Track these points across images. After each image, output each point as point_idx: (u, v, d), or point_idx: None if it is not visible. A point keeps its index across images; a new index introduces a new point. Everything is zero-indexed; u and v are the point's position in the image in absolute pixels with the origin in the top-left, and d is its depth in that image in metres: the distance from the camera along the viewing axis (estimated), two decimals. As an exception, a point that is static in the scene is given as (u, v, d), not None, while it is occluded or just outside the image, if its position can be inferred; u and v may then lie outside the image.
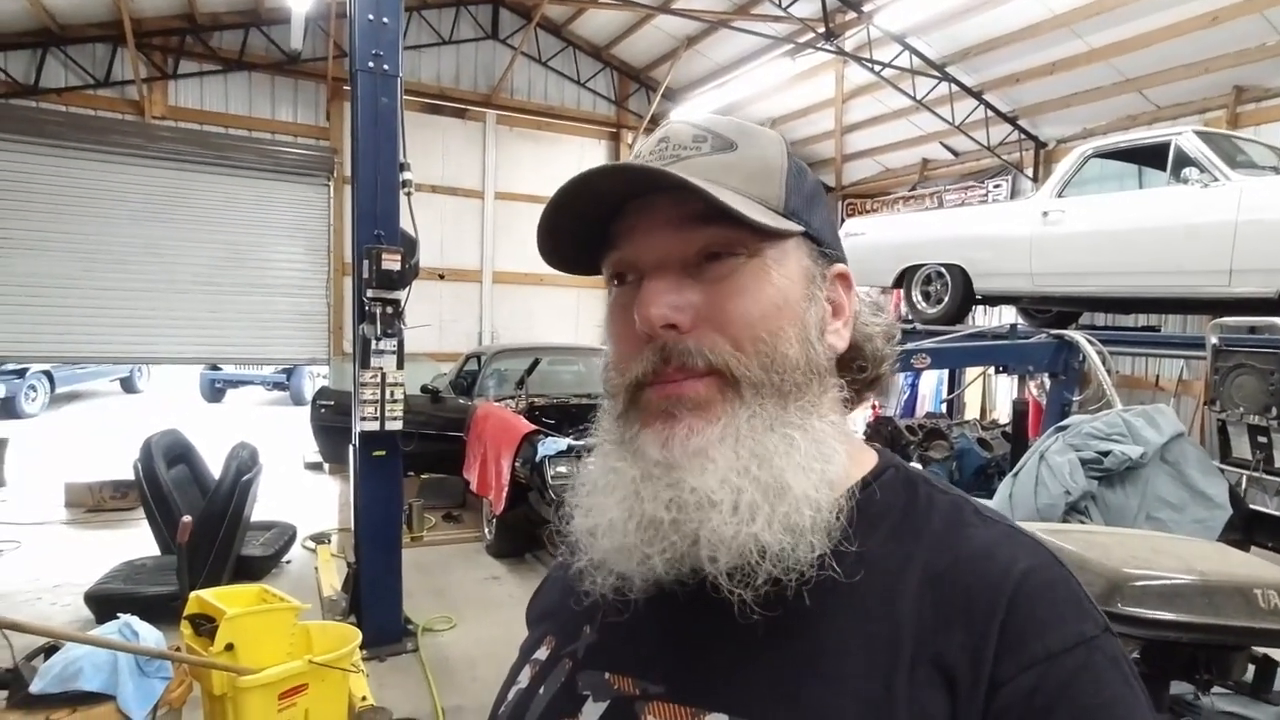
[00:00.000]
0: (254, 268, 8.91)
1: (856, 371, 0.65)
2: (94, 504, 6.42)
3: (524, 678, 0.65)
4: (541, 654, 0.65)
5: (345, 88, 9.21)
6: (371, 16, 3.77)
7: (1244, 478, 3.43)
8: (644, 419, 0.57)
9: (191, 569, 3.93)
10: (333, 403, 6.54)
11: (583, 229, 0.60)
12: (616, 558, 0.56)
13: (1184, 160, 4.69)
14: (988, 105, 8.63)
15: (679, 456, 0.54)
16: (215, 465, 4.96)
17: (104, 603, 4.00)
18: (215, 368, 13.29)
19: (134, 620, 2.83)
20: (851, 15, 7.91)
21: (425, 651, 3.87)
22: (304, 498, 6.78)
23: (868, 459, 0.63)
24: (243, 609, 2.79)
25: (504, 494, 4.97)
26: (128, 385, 14.56)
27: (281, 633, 2.85)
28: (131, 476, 4.90)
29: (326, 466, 7.76)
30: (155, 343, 8.41)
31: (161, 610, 3.63)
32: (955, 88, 8.44)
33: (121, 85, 8.37)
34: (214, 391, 13.81)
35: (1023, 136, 8.80)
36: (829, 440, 0.56)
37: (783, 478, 0.53)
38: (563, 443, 4.81)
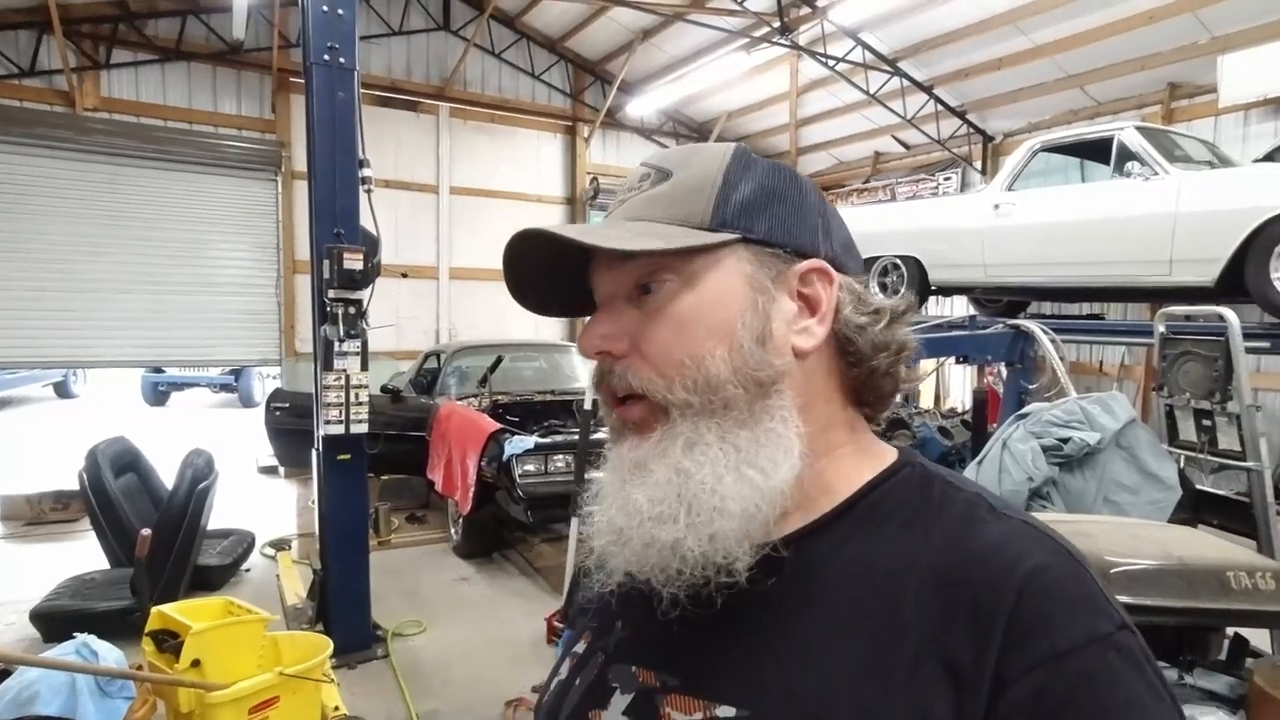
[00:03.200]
0: (199, 266, 8.58)
1: (854, 364, 0.63)
2: (33, 516, 6.12)
3: (565, 669, 0.69)
4: (580, 647, 0.69)
5: (293, 79, 8.95)
6: (326, 8, 3.66)
7: (1182, 458, 3.60)
8: (611, 435, 0.65)
9: (142, 583, 3.78)
10: (288, 405, 6.36)
11: (561, 278, 0.66)
12: (607, 556, 0.60)
13: (1126, 155, 4.88)
14: (937, 100, 8.83)
15: (627, 470, 0.60)
16: (166, 473, 4.79)
17: (52, 621, 3.83)
18: (158, 370, 12.78)
19: (92, 639, 2.72)
20: (806, 10, 8.00)
21: (396, 657, 3.80)
22: (260, 503, 6.59)
23: (882, 458, 0.63)
24: (209, 623, 2.70)
25: (471, 494, 4.90)
26: (61, 390, 13.92)
27: (250, 645, 2.77)
28: (73, 486, 4.69)
29: (282, 470, 7.55)
30: (96, 345, 8.04)
31: (116, 626, 3.49)
32: (906, 82, 8.62)
33: (49, 75, 7.96)
34: (157, 395, 13.29)
35: (971, 130, 9.04)
36: (765, 449, 0.57)
37: (702, 489, 0.56)
38: (529, 441, 4.77)
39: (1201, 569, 1.39)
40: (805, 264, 0.60)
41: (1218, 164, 5.10)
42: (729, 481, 0.56)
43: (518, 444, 4.71)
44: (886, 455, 0.63)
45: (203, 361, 10.63)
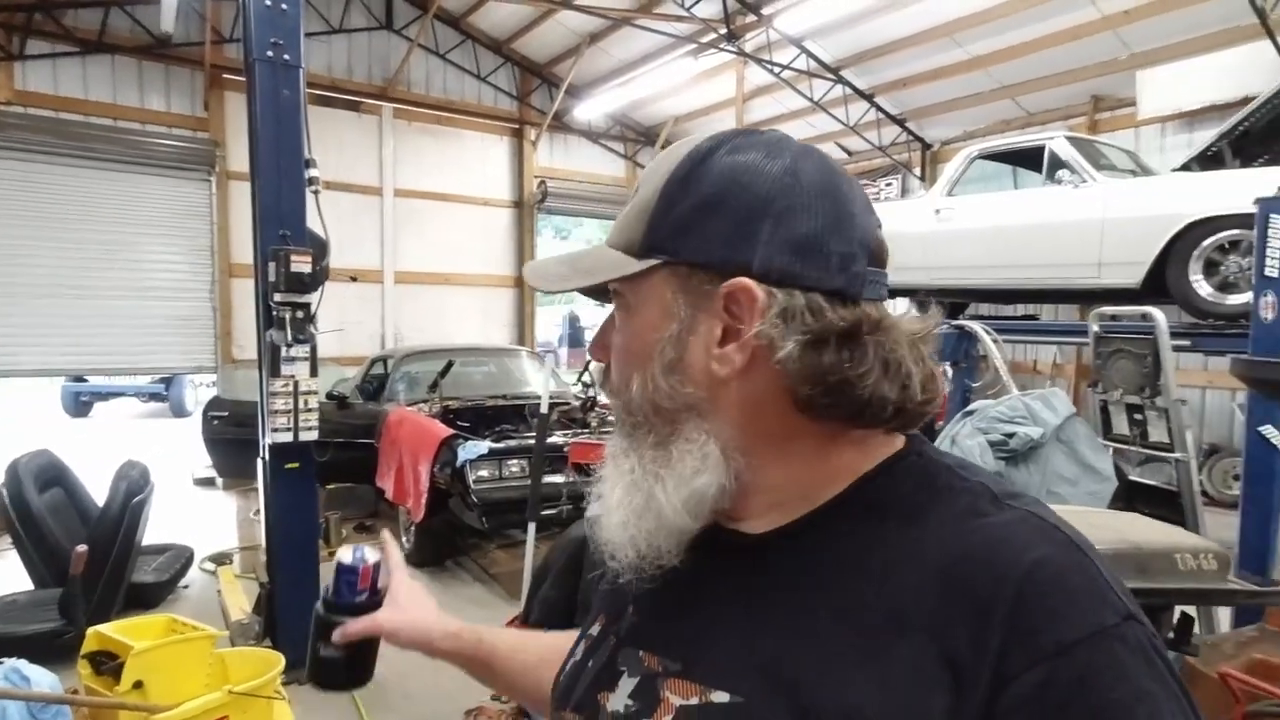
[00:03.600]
0: (126, 269, 8.20)
1: (816, 393, 0.56)
2: (-55, 537, 5.72)
3: (580, 651, 0.71)
4: (594, 630, 0.71)
5: (226, 76, 8.64)
6: (269, 2, 3.55)
7: (1110, 450, 3.80)
8: None
9: (77, 602, 3.59)
10: (228, 413, 6.13)
11: None
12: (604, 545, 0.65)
13: (1057, 163, 5.13)
14: (878, 108, 9.10)
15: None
16: (95, 487, 4.55)
17: (-28, 646, 3.59)
18: (79, 379, 12.13)
19: (22, 664, 2.55)
20: (752, 18, 8.13)
21: (349, 671, 3.69)
22: (198, 517, 6.32)
23: (879, 451, 0.60)
24: (151, 642, 2.57)
25: (423, 501, 4.81)
26: (-30, 402, 13.08)
27: (197, 664, 2.66)
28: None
29: (220, 482, 7.25)
30: (14, 354, 7.59)
31: (44, 650, 3.28)
32: (849, 90, 8.86)
33: (-44, 66, 7.50)
34: (79, 405, 12.60)
35: (910, 138, 9.34)
36: (675, 466, 0.60)
37: (634, 492, 0.61)
38: (483, 445, 4.71)
39: (1152, 551, 1.47)
40: (726, 285, 0.56)
41: (1140, 173, 5.40)
42: (652, 489, 0.60)
43: (471, 449, 4.64)
44: (886, 448, 0.61)
45: (132, 370, 10.10)
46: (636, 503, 0.61)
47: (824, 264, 0.56)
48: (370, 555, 0.93)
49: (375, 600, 0.93)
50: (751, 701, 0.54)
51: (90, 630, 2.63)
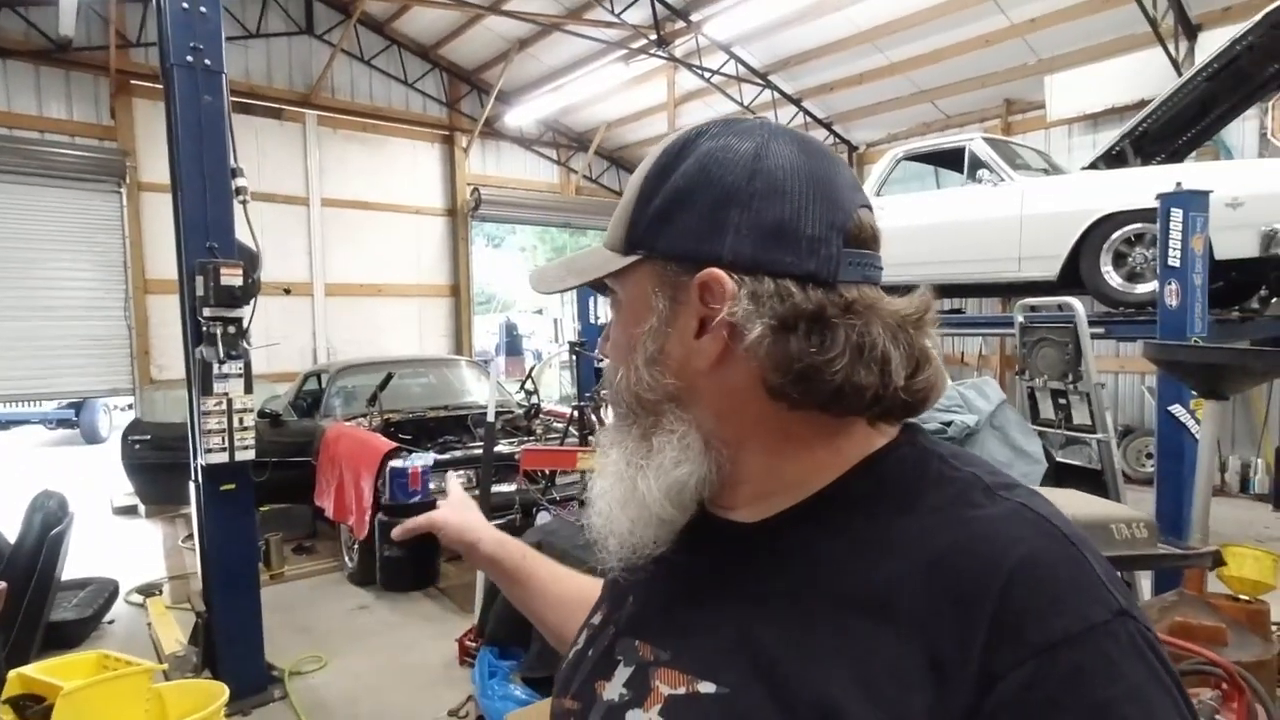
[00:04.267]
0: (28, 288, 7.68)
1: (786, 381, 0.56)
2: None
3: (582, 639, 0.72)
4: (596, 619, 0.72)
5: (135, 82, 8.23)
6: (186, 5, 3.39)
7: (1039, 434, 4.02)
8: None
9: (-6, 644, 3.33)
10: (149, 437, 5.81)
11: None
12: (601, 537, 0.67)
13: (977, 163, 5.38)
14: (806, 112, 9.34)
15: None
16: (3, 521, 4.25)
17: None
18: (-24, 407, 11.30)
19: (-67, 715, 2.36)
20: (681, 24, 8.24)
21: (297, 696, 3.55)
22: (120, 547, 5.96)
23: (871, 443, 0.59)
24: (82, 681, 2.42)
25: (367, 517, 4.66)
26: None
27: (133, 701, 2.51)
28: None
29: (143, 509, 6.87)
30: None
31: (-44, 699, 3.05)
32: (777, 95, 9.06)
33: None
34: (-23, 435, 11.76)
35: (837, 140, 9.62)
36: (656, 457, 0.60)
37: (623, 485, 0.63)
38: (428, 457, 4.60)
39: (1090, 522, 1.57)
40: (699, 276, 0.56)
41: (1052, 171, 5.72)
42: (650, 479, 0.60)
43: (415, 461, 4.53)
44: (879, 437, 0.60)
45: (38, 395, 9.47)
46: (620, 493, 0.62)
47: (794, 248, 0.55)
48: (419, 460, 1.01)
49: (429, 501, 0.98)
50: (736, 693, 0.54)
51: (12, 673, 2.46)
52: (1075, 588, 0.48)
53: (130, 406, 9.13)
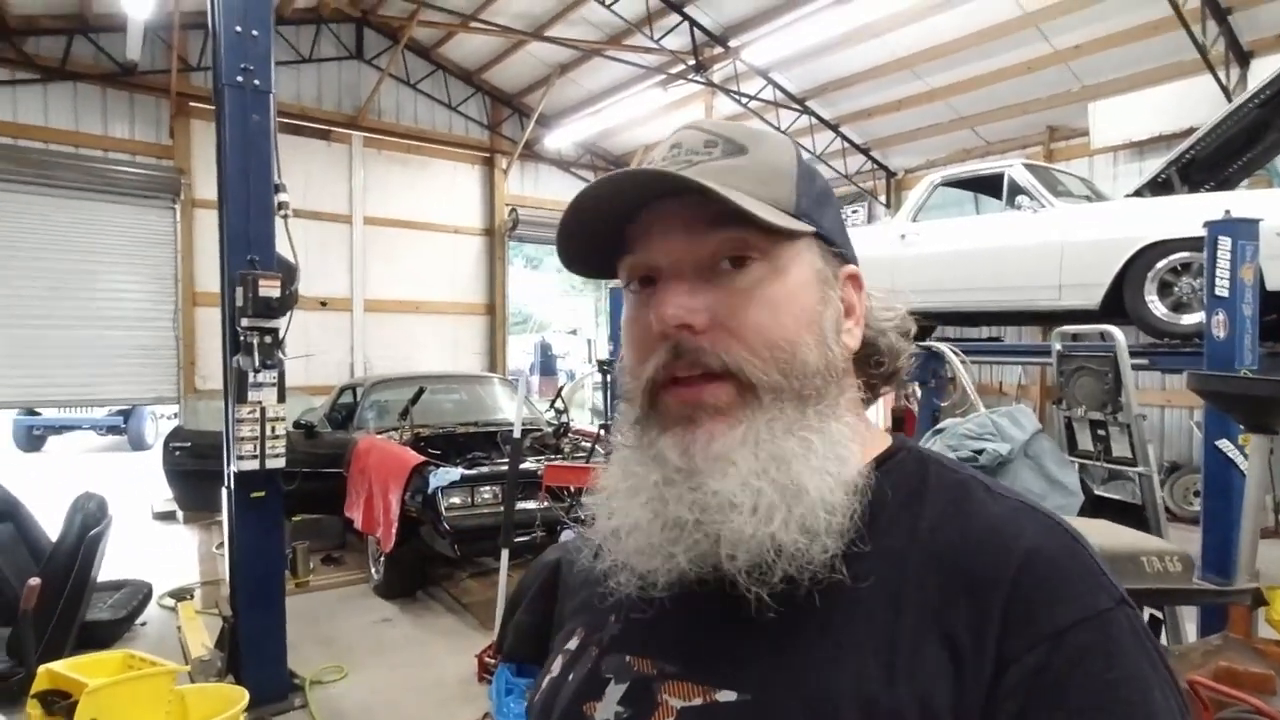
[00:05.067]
0: (85, 299, 8.01)
1: (874, 367, 0.67)
2: (-115, 577, 5.44)
3: (556, 667, 0.67)
4: (572, 644, 0.67)
5: (193, 104, 8.58)
6: (240, 28, 3.54)
7: (1076, 465, 3.88)
8: (664, 424, 0.58)
9: (28, 640, 3.42)
10: (189, 444, 5.97)
11: (599, 233, 0.61)
12: (641, 556, 0.58)
13: (1016, 189, 5.28)
14: (844, 137, 9.32)
15: (700, 462, 0.56)
16: (49, 522, 4.38)
17: (-88, 691, 3.40)
18: (33, 412, 11.72)
19: (-32, 706, 2.43)
20: (719, 50, 8.32)
21: (316, 706, 3.57)
22: (157, 551, 6.11)
23: (880, 443, 0.63)
24: (107, 679, 2.47)
25: (394, 530, 4.71)
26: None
27: (155, 701, 2.56)
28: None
29: (181, 515, 7.04)
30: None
31: (-9, 692, 3.14)
32: (815, 120, 9.07)
33: (-89, 92, 7.34)
34: (31, 439, 12.16)
35: (875, 166, 9.57)
36: (845, 443, 0.57)
37: (800, 480, 0.54)
38: (455, 473, 4.64)
39: (1121, 554, 1.51)
40: (847, 269, 0.63)
41: (1095, 199, 5.58)
42: (833, 473, 0.55)
43: (443, 476, 4.57)
44: (882, 441, 0.64)
45: (88, 401, 9.79)
46: (798, 490, 0.54)
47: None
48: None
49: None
50: (760, 700, 0.53)
51: (41, 668, 2.52)
52: (1081, 577, 0.51)
53: (175, 415, 9.39)
